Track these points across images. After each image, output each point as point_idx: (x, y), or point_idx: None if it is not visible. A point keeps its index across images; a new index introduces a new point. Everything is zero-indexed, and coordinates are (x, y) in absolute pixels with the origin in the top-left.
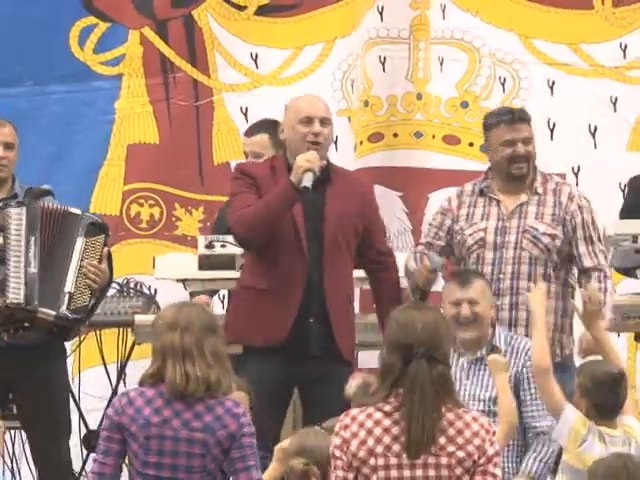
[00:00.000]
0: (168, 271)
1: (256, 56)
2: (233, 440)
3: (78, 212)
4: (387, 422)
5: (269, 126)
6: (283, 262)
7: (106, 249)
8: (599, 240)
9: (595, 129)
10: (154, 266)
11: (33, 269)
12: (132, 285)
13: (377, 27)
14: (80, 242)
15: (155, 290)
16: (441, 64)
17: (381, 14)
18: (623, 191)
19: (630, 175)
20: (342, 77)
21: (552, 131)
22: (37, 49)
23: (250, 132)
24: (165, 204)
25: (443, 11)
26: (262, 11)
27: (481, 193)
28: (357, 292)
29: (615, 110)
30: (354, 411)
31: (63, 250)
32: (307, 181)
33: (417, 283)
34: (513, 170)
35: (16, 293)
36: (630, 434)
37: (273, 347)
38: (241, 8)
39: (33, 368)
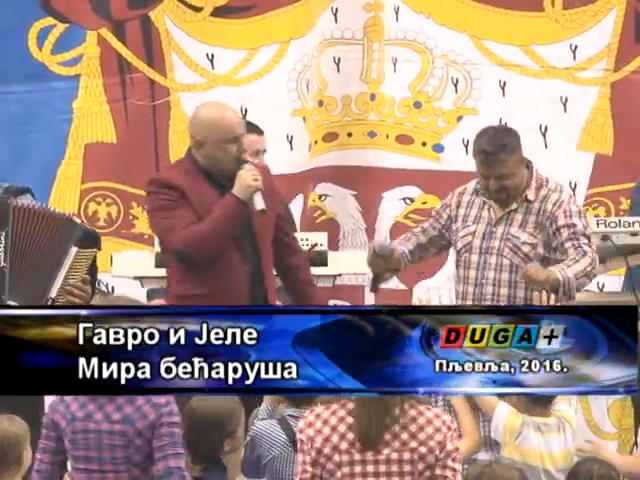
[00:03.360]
0: (125, 269)
1: (212, 56)
2: (153, 430)
3: (77, 221)
4: (350, 419)
5: None
6: (223, 264)
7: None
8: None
9: (546, 129)
10: (111, 264)
11: (2, 263)
12: None
13: (331, 28)
14: (74, 251)
15: (112, 287)
16: (394, 65)
17: (335, 15)
18: (574, 190)
19: (579, 173)
20: (297, 77)
21: None
22: None
23: (260, 131)
24: (122, 202)
25: (396, 13)
26: (218, 12)
27: (477, 193)
28: None
29: (565, 110)
30: (318, 409)
31: (54, 254)
32: (260, 203)
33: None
34: (492, 196)
35: None
36: (564, 419)
37: None
38: (197, 9)
39: None
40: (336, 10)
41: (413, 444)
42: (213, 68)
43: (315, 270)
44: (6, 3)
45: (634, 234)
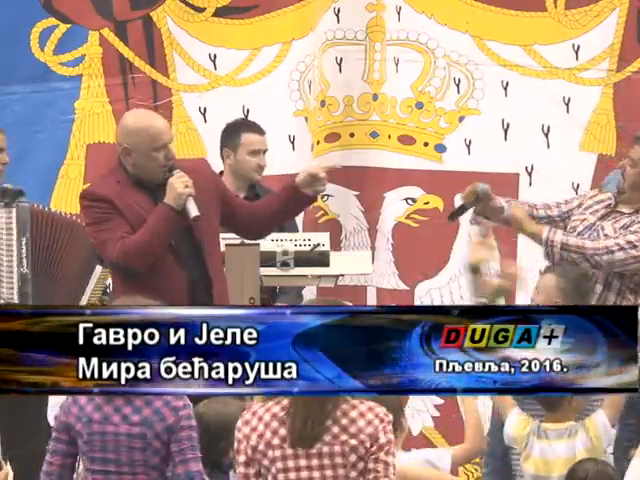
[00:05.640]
0: None
1: (214, 57)
2: (171, 433)
3: None
4: (283, 415)
5: None
6: (160, 271)
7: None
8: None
9: (548, 129)
10: None
11: (25, 269)
12: None
13: (334, 29)
14: (99, 270)
15: None
16: (396, 65)
17: (337, 16)
18: (576, 190)
19: (582, 174)
20: (299, 78)
21: (506, 132)
22: None
23: (261, 131)
24: None
25: (399, 13)
26: (220, 12)
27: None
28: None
29: (568, 111)
30: (255, 406)
31: (81, 270)
32: (194, 210)
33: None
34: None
35: (10, 292)
36: (584, 426)
37: None
38: (199, 10)
39: None
40: (338, 10)
41: (344, 437)
42: (215, 68)
43: (317, 270)
44: (8, 4)
45: None
